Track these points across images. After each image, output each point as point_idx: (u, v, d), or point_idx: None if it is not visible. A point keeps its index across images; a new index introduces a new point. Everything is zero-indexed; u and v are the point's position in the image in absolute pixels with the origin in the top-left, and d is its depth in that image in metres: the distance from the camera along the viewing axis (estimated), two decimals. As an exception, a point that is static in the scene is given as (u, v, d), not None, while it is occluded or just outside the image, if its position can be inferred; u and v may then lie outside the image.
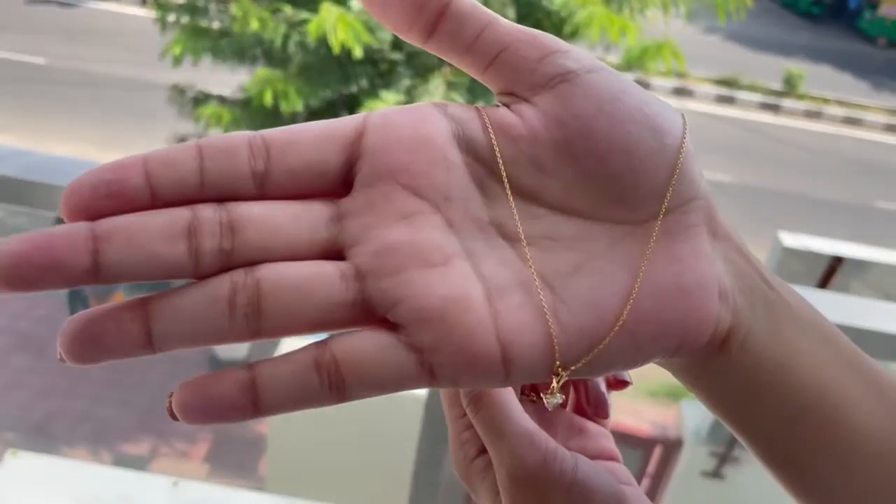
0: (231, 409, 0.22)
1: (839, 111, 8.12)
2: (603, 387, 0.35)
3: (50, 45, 7.02)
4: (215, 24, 3.38)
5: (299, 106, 3.23)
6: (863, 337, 0.65)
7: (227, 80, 3.76)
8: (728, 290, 0.25)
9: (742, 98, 8.05)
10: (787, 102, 8.10)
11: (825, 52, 10.11)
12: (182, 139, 3.79)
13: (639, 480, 1.89)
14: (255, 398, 0.22)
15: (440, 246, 0.24)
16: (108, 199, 0.22)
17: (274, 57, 3.42)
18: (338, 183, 0.25)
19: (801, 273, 2.15)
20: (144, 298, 0.22)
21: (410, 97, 3.27)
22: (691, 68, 7.05)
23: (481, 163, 0.25)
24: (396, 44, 3.19)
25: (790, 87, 8.30)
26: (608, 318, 0.24)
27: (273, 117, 3.50)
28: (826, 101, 8.30)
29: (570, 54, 0.25)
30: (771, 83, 8.34)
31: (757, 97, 8.08)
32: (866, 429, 0.26)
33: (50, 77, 6.41)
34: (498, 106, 0.26)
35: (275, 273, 0.23)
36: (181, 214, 0.23)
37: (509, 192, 0.25)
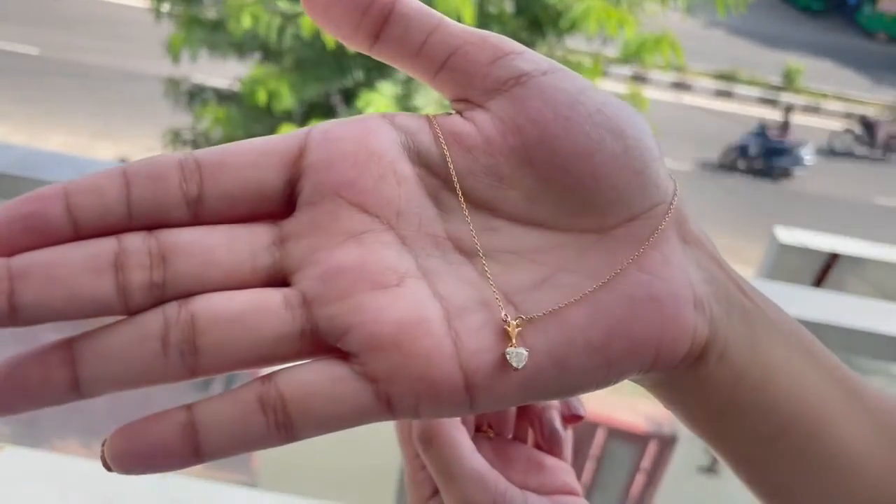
0: (170, 458, 0.20)
1: (838, 106, 8.11)
2: (558, 423, 0.35)
3: (43, 34, 6.98)
4: (210, 14, 3.37)
5: (291, 104, 3.22)
6: (854, 337, 0.64)
7: (222, 69, 3.74)
8: (703, 299, 0.24)
9: (740, 93, 8.04)
10: (786, 97, 8.09)
11: (824, 46, 10.10)
12: (176, 133, 3.78)
13: (633, 476, 1.89)
14: (195, 444, 0.20)
15: (393, 265, 0.23)
16: (25, 233, 0.20)
17: (270, 50, 3.41)
18: (280, 204, 0.23)
19: (797, 269, 2.15)
20: (70, 339, 0.21)
21: (408, 88, 3.26)
22: (690, 62, 7.03)
23: (435, 175, 0.24)
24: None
25: (789, 81, 8.30)
26: (576, 335, 0.23)
27: (268, 114, 3.48)
28: (825, 95, 8.29)
29: (524, 56, 0.24)
30: (770, 78, 8.33)
31: (756, 91, 8.07)
32: (847, 444, 0.25)
33: (43, 67, 6.38)
34: (451, 114, 0.25)
35: (211, 305, 0.21)
36: (106, 246, 0.21)
37: (464, 205, 0.24)
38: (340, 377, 0.21)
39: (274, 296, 0.22)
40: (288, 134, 0.23)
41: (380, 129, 0.24)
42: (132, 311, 0.21)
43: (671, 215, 0.24)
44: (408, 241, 0.23)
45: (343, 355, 0.22)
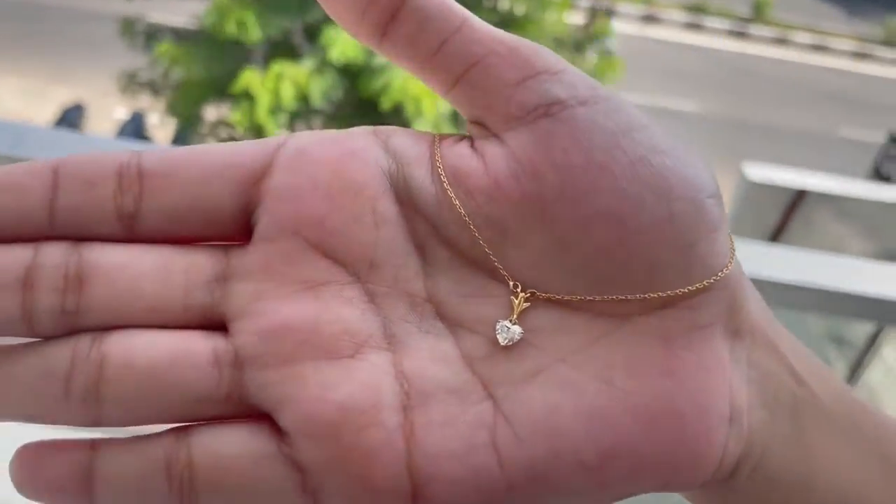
0: (63, 498, 0.18)
1: (808, 38, 8.08)
2: None
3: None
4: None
5: (258, 35, 3.13)
6: (808, 294, 0.62)
7: (179, 7, 3.61)
8: (742, 408, 0.19)
9: (710, 25, 7.96)
10: (756, 29, 8.04)
11: (794, -24, 10.00)
12: (132, 75, 3.66)
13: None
14: (90, 491, 0.18)
15: (351, 329, 0.18)
16: None
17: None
18: (234, 228, 0.19)
19: (765, 205, 2.15)
20: None
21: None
22: (659, -6, 6.93)
23: (425, 219, 0.19)
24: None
25: (758, 13, 8.23)
26: (565, 451, 0.18)
27: (232, 50, 3.38)
28: (794, 27, 8.25)
29: (561, 78, 0.19)
30: (739, 9, 8.25)
31: (725, 24, 8.00)
32: None
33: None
34: (462, 138, 0.20)
35: (124, 350, 0.18)
36: (18, 256, 0.18)
37: (468, 220, 0.19)
38: (264, 456, 0.18)
39: (201, 346, 0.18)
40: (257, 143, 0.19)
41: (366, 152, 0.19)
42: (37, 337, 0.18)
43: (721, 305, 0.19)
44: (378, 300, 0.19)
45: (273, 425, 0.18)
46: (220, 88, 3.50)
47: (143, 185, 0.19)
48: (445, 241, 0.19)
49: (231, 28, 3.08)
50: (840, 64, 7.81)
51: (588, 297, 0.19)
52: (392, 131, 0.20)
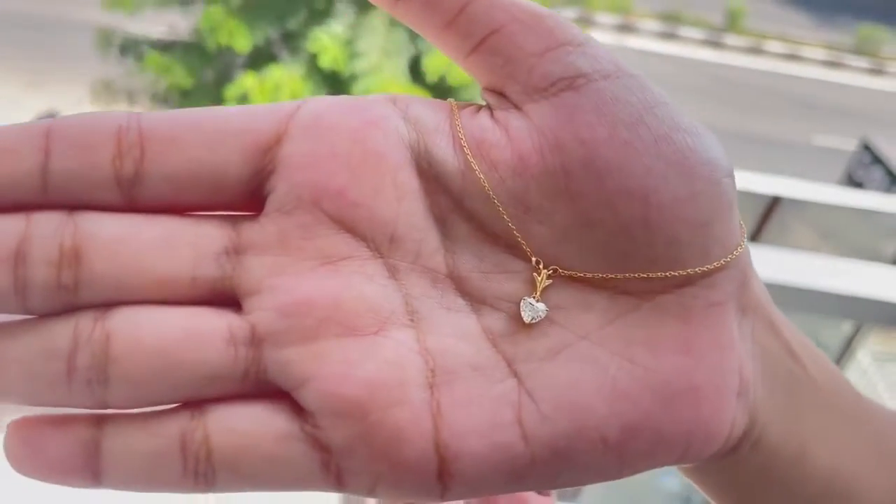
0: (68, 477, 0.17)
1: (780, 47, 8.18)
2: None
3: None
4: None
5: (247, 45, 3.13)
6: (787, 293, 0.63)
7: (158, 17, 3.59)
8: (749, 383, 0.19)
9: (685, 35, 8.04)
10: (730, 38, 8.12)
11: (766, -14, 10.12)
12: (107, 84, 3.62)
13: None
14: (96, 470, 0.17)
15: (374, 306, 0.18)
16: None
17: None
18: (242, 196, 0.18)
19: (741, 211, 2.17)
20: None
21: (354, 31, 3.17)
22: (635, 3, 7.00)
23: (446, 191, 0.19)
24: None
25: (732, 22, 8.32)
26: (588, 427, 0.18)
27: (218, 58, 3.37)
28: (766, 37, 8.35)
29: (585, 50, 0.19)
30: (713, 19, 8.34)
31: (700, 33, 8.08)
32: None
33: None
34: (481, 107, 0.20)
35: (133, 327, 0.17)
36: (8, 227, 0.17)
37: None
38: (285, 435, 0.17)
39: (216, 324, 0.18)
40: (269, 107, 0.18)
41: (386, 121, 0.19)
42: (33, 313, 0.17)
43: (734, 283, 0.19)
44: (399, 276, 0.19)
45: (293, 403, 0.18)
46: (206, 95, 3.48)
47: (145, 148, 0.17)
48: (466, 215, 0.19)
49: (224, 39, 3.07)
50: (812, 72, 7.91)
51: (610, 275, 0.19)
52: (410, 100, 0.19)
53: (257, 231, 0.18)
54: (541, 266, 0.19)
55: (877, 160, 3.74)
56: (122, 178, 0.17)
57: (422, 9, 0.19)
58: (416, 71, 3.21)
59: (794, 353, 0.21)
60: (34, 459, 0.17)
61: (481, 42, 0.19)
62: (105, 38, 3.54)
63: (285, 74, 3.06)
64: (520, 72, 0.19)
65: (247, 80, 3.05)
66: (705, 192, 0.18)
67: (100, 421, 0.17)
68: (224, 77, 3.42)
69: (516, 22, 0.19)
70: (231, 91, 3.08)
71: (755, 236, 2.14)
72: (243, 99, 3.03)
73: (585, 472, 0.18)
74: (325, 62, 3.04)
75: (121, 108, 4.07)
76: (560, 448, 0.18)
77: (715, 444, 0.19)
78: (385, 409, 0.17)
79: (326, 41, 3.06)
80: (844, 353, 1.52)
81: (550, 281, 0.19)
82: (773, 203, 2.13)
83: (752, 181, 2.12)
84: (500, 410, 0.18)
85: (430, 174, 0.19)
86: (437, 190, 0.19)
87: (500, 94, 0.19)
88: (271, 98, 3.06)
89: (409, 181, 0.19)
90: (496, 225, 0.19)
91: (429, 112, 0.19)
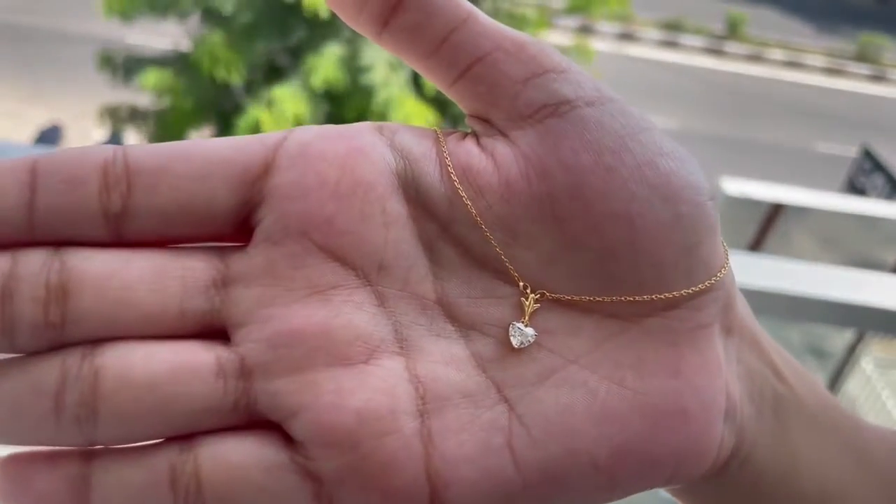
0: None
1: (780, 54, 8.19)
2: None
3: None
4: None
5: (239, 77, 3.14)
6: (790, 303, 0.63)
7: (160, 28, 3.60)
8: (736, 404, 0.20)
9: (686, 42, 8.06)
10: (731, 46, 8.14)
11: (767, -6, 10.16)
12: (114, 110, 3.62)
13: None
14: None
15: (364, 335, 0.18)
16: None
17: (212, 11, 3.28)
18: (229, 226, 0.18)
19: (743, 219, 2.17)
20: None
21: (353, 47, 3.18)
22: (636, 11, 7.02)
23: (434, 218, 0.19)
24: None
25: (733, 30, 8.34)
26: (579, 451, 0.18)
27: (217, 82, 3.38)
28: (767, 44, 8.37)
29: (567, 77, 0.19)
30: (714, 27, 8.36)
31: (701, 41, 8.10)
32: None
33: (-31, 28, 6.08)
34: (466, 134, 0.20)
35: (120, 363, 0.17)
36: None
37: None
38: (276, 466, 0.17)
39: (204, 357, 0.17)
40: (256, 138, 0.19)
41: (373, 149, 0.19)
42: (21, 352, 0.17)
43: (718, 305, 0.19)
44: (388, 303, 0.19)
45: (284, 434, 0.18)
46: (205, 115, 3.49)
47: (132, 182, 0.17)
48: (454, 242, 0.19)
49: (221, 73, 3.09)
50: (813, 80, 7.92)
51: (597, 298, 0.19)
52: (396, 127, 0.20)
53: (245, 262, 0.18)
54: (528, 291, 0.19)
55: (878, 167, 3.74)
56: (110, 212, 0.17)
57: (407, 38, 0.19)
58: (416, 83, 3.22)
59: (780, 372, 0.21)
60: (24, 496, 0.17)
61: (466, 70, 0.19)
62: (107, 61, 3.54)
63: (289, 100, 3.07)
64: (504, 99, 0.19)
65: (256, 113, 3.06)
66: (689, 216, 0.19)
67: (89, 456, 0.17)
68: (223, 97, 3.43)
69: (500, 50, 0.19)
70: (244, 121, 3.09)
71: (757, 245, 2.13)
72: (255, 129, 3.04)
73: (577, 495, 0.18)
74: (318, 82, 3.05)
75: (127, 129, 4.08)
76: (551, 472, 0.18)
77: (703, 465, 0.19)
78: (376, 439, 0.17)
79: (321, 60, 3.07)
80: (848, 360, 1.51)
81: (538, 305, 0.19)
82: (775, 210, 2.13)
83: (754, 189, 2.12)
84: (490, 436, 0.18)
85: (417, 201, 0.19)
86: (424, 217, 0.19)
87: (486, 121, 0.20)
88: (277, 126, 3.08)
89: (397, 209, 0.19)
90: (484, 250, 0.19)
91: (415, 139, 0.19)
